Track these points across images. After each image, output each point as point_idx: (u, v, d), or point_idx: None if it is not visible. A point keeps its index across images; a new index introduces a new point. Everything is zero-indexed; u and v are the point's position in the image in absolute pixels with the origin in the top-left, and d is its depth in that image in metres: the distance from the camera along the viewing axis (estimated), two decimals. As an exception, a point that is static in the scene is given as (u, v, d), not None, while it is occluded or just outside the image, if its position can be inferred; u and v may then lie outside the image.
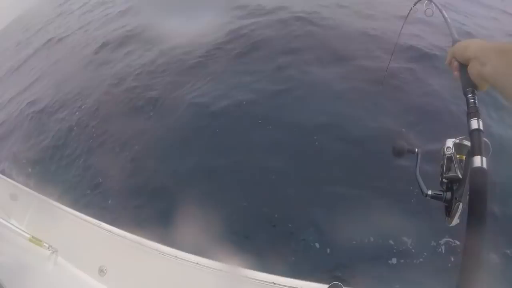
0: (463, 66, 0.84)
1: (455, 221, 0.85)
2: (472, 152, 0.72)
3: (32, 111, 6.85)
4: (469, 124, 0.77)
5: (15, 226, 2.07)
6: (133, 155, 4.48)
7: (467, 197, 0.82)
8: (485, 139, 0.77)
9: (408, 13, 1.67)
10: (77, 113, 5.93)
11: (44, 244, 1.98)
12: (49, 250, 1.98)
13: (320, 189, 3.44)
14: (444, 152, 0.90)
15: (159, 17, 8.15)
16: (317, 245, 3.06)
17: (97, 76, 6.93)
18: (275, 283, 1.61)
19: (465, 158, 0.86)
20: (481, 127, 0.76)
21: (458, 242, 2.80)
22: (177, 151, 4.26)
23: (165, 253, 1.87)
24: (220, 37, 6.42)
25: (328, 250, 3.00)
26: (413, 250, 2.89)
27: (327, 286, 1.60)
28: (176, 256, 1.84)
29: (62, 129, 5.68)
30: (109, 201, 3.98)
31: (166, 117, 4.91)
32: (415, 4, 1.46)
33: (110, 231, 2.05)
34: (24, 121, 6.69)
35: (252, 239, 3.19)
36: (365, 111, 4.16)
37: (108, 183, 4.23)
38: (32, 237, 2.00)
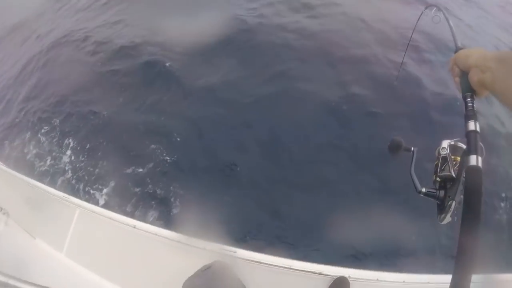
0: (464, 73, 0.88)
1: (447, 219, 0.89)
2: (468, 152, 0.76)
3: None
4: (466, 126, 0.81)
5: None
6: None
7: (461, 196, 0.86)
8: (480, 143, 0.81)
9: (418, 18, 1.71)
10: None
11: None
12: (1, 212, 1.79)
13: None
14: (439, 152, 0.94)
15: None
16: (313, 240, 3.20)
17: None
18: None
19: (460, 158, 0.90)
20: (478, 129, 0.80)
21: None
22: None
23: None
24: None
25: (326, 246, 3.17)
26: (410, 248, 3.09)
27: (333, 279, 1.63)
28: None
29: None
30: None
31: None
32: (425, 9, 1.49)
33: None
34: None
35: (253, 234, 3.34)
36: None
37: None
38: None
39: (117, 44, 6.42)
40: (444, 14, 1.27)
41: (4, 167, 2.05)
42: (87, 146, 4.61)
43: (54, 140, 4.91)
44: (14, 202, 1.91)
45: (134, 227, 1.83)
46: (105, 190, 3.97)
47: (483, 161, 0.75)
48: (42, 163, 4.62)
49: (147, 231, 1.82)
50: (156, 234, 1.80)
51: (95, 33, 7.05)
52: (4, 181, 2.04)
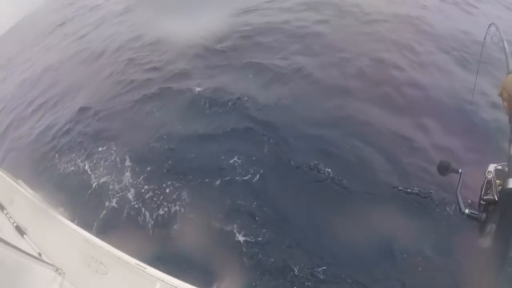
0: None
1: (487, 242, 0.88)
2: (508, 175, 0.77)
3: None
4: (509, 150, 0.82)
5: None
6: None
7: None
8: None
9: (484, 37, 1.64)
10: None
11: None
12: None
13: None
14: (485, 175, 0.94)
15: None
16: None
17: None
18: None
19: (502, 182, 0.89)
20: None
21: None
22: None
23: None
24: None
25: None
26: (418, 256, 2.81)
27: None
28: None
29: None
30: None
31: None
32: (488, 27, 1.45)
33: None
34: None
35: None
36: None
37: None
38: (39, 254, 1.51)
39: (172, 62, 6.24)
40: (500, 34, 1.23)
41: (62, 219, 1.82)
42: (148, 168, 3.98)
43: (112, 158, 4.30)
44: (71, 261, 1.68)
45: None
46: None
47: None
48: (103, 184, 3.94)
49: None
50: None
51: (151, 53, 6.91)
52: (60, 236, 1.79)
